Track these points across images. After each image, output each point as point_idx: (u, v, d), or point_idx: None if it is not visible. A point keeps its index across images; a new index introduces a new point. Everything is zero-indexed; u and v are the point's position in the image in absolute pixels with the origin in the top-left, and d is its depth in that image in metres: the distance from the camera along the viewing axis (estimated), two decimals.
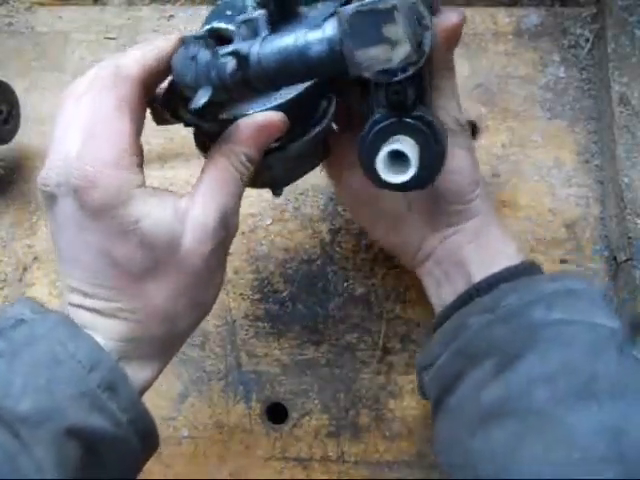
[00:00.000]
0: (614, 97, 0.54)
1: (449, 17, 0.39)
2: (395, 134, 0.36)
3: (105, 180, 0.34)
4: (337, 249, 0.56)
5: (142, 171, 0.36)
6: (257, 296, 0.56)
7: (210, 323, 0.55)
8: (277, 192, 0.43)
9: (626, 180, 0.53)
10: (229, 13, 0.37)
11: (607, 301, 0.41)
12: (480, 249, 0.44)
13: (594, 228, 0.55)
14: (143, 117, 0.38)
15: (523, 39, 0.60)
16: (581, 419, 0.35)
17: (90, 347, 0.35)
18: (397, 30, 0.31)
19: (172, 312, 0.37)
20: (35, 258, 0.56)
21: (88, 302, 0.37)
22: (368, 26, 0.32)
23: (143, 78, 0.36)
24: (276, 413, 0.54)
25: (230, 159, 0.37)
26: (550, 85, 0.59)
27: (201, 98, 0.35)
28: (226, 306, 0.55)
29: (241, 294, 0.56)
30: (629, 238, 0.52)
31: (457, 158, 0.42)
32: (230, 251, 0.56)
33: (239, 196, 0.38)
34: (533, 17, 0.60)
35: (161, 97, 0.40)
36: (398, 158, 0.36)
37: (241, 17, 0.36)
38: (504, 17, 0.60)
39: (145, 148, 0.38)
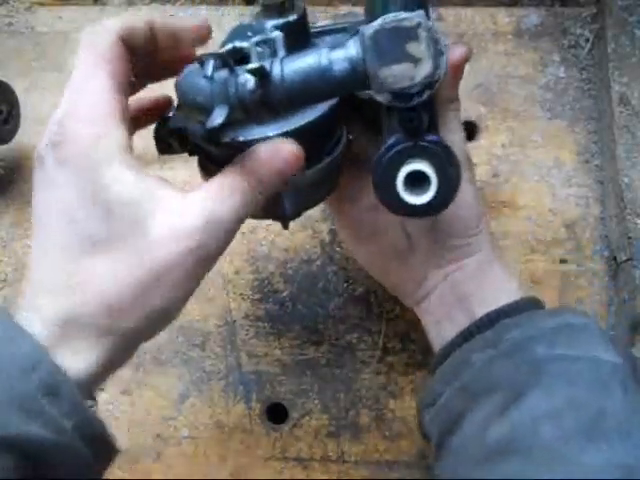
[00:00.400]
0: (614, 97, 0.54)
1: (455, 52, 0.39)
2: (411, 158, 0.35)
3: (79, 134, 0.33)
4: (337, 249, 0.56)
5: (125, 131, 0.34)
6: (257, 296, 0.56)
7: (210, 323, 0.55)
8: (286, 224, 0.41)
9: (626, 180, 0.53)
10: (249, 34, 0.36)
11: (607, 336, 0.41)
12: (482, 285, 0.43)
13: (594, 228, 0.55)
14: (125, 73, 0.36)
15: (523, 39, 0.60)
16: (591, 457, 0.34)
17: (29, 347, 0.32)
18: (420, 48, 0.32)
19: (116, 302, 0.33)
20: None
21: (35, 274, 0.34)
22: (392, 43, 0.32)
23: (122, 33, 0.35)
24: (276, 413, 0.54)
25: (247, 179, 0.35)
26: (550, 85, 0.59)
27: (217, 117, 0.34)
28: (226, 306, 0.55)
29: (241, 294, 0.56)
30: (629, 238, 0.52)
31: (463, 192, 0.41)
32: (230, 251, 0.56)
33: (239, 219, 0.35)
34: (533, 17, 0.60)
35: (154, 132, 0.40)
36: (416, 181, 0.36)
37: (258, 37, 0.36)
38: (504, 17, 0.60)
39: (144, 148, 0.38)
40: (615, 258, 0.54)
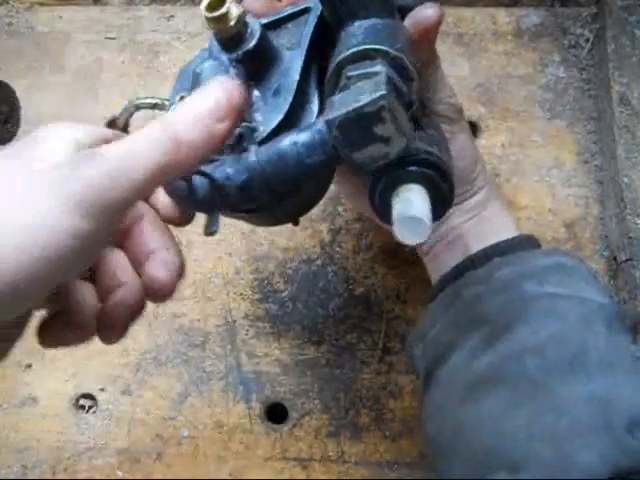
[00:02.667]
0: (614, 97, 0.54)
1: (424, 13, 0.38)
2: (403, 183, 0.35)
3: None
4: (337, 249, 0.56)
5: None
6: (257, 296, 0.56)
7: (210, 323, 0.55)
8: (296, 222, 0.41)
9: (626, 180, 0.53)
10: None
11: (596, 278, 0.42)
12: (479, 224, 0.44)
13: (594, 228, 0.55)
14: None
15: (523, 39, 0.60)
16: (571, 389, 0.36)
17: None
18: (389, 128, 0.31)
19: None
20: None
21: None
22: (359, 129, 0.31)
23: None
24: (276, 413, 0.54)
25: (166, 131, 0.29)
26: (550, 85, 0.59)
27: (213, 226, 0.34)
28: (226, 306, 0.55)
29: (241, 294, 0.56)
30: (629, 238, 0.52)
31: (459, 143, 0.43)
32: (230, 251, 0.57)
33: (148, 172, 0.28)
34: (533, 17, 0.60)
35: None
36: (409, 219, 0.35)
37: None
38: (504, 17, 0.60)
39: None
40: (615, 258, 0.54)
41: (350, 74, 0.33)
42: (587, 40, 0.59)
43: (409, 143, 0.32)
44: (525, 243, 0.44)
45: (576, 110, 0.58)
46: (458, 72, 0.59)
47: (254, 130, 0.34)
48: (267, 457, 0.53)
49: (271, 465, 0.53)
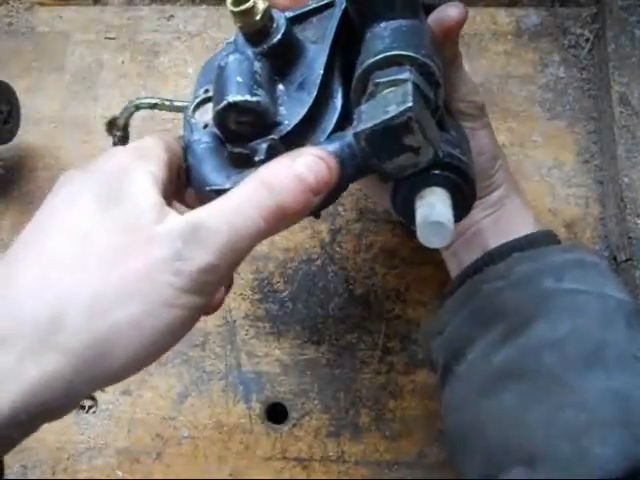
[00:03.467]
0: (614, 97, 0.54)
1: (449, 13, 0.38)
2: (425, 187, 0.35)
3: None
4: (337, 249, 0.56)
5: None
6: (257, 296, 0.56)
7: (210, 323, 0.55)
8: (318, 215, 0.41)
9: (626, 180, 0.53)
10: (239, 80, 0.34)
11: (616, 276, 0.42)
12: (499, 219, 0.44)
13: (594, 228, 0.55)
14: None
15: (523, 39, 0.60)
16: (589, 384, 0.36)
17: None
18: (418, 138, 0.31)
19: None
20: None
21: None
22: (387, 141, 0.31)
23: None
24: (276, 413, 0.54)
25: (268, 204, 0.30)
26: (550, 85, 0.59)
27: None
28: (226, 306, 0.55)
29: (241, 294, 0.56)
30: (629, 238, 0.52)
31: (479, 139, 0.43)
32: None
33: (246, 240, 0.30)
34: (533, 17, 0.60)
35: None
36: (432, 224, 0.35)
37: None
38: (504, 17, 0.60)
39: None
40: (615, 258, 0.54)
41: (378, 81, 0.33)
42: (587, 40, 0.59)
43: (437, 151, 0.32)
44: (545, 239, 0.44)
45: (576, 110, 0.58)
46: None
47: (277, 142, 0.34)
48: (267, 457, 0.53)
49: (271, 465, 0.53)
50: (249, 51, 0.35)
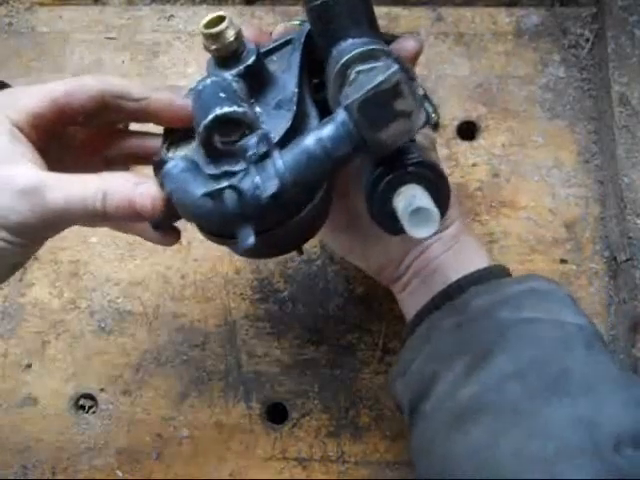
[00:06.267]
0: (614, 97, 0.54)
1: (408, 43, 0.40)
2: (403, 185, 0.35)
3: None
4: None
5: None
6: (257, 296, 0.56)
7: (210, 323, 0.55)
8: (300, 251, 0.41)
9: (626, 180, 0.53)
10: (222, 95, 0.35)
11: (573, 301, 0.42)
12: (455, 255, 0.45)
13: (594, 228, 0.55)
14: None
15: (523, 39, 0.60)
16: (554, 412, 0.36)
17: None
18: (409, 102, 0.31)
19: None
20: (35, 258, 0.56)
21: None
22: (379, 108, 0.32)
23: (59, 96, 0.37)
24: (276, 413, 0.54)
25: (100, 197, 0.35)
26: (550, 85, 0.59)
27: (248, 239, 0.34)
28: (226, 306, 0.55)
29: (241, 294, 0.56)
30: (629, 238, 0.52)
31: None
32: (230, 251, 0.57)
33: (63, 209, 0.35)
34: (533, 17, 0.60)
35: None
36: (418, 212, 0.35)
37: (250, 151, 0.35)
38: (504, 17, 0.60)
39: None
40: (615, 258, 0.54)
41: (359, 69, 0.33)
42: (587, 40, 0.59)
43: (429, 115, 0.32)
44: (499, 272, 0.44)
45: (576, 110, 0.58)
46: (458, 72, 0.59)
47: (267, 134, 0.34)
48: (267, 457, 0.53)
49: (271, 465, 0.53)
50: (225, 74, 0.37)
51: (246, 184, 0.33)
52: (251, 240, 0.34)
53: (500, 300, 0.41)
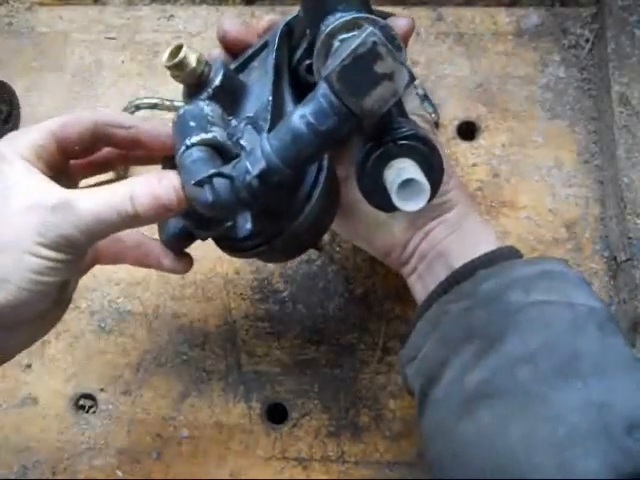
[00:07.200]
0: (614, 97, 0.54)
1: (399, 22, 0.40)
2: (393, 159, 0.35)
3: None
4: (337, 249, 0.56)
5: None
6: (257, 296, 0.56)
7: (210, 323, 0.55)
8: (319, 248, 0.42)
9: (626, 180, 0.53)
10: (192, 124, 0.36)
11: (586, 282, 0.42)
12: (460, 238, 0.44)
13: (594, 228, 0.55)
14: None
15: (523, 39, 0.60)
16: (565, 396, 0.35)
17: None
18: (388, 63, 0.30)
19: None
20: None
21: None
22: (360, 74, 0.31)
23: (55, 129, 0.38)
24: (276, 413, 0.54)
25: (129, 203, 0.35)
26: (550, 85, 0.59)
27: (246, 223, 0.34)
28: (226, 306, 0.55)
29: (241, 294, 0.56)
30: (629, 238, 0.52)
31: None
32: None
33: (101, 222, 0.35)
34: (533, 17, 0.60)
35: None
36: (408, 184, 0.35)
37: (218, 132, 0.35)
38: (504, 17, 0.60)
39: None
40: (615, 258, 0.54)
41: (342, 37, 0.33)
42: (587, 40, 0.59)
43: (411, 71, 0.31)
44: (508, 254, 0.43)
45: (576, 110, 0.58)
46: (458, 72, 0.59)
47: (255, 120, 0.35)
48: (267, 457, 0.53)
49: (271, 465, 0.53)
50: (198, 100, 0.37)
51: (237, 170, 0.33)
52: (249, 225, 0.34)
53: (509, 283, 0.40)
